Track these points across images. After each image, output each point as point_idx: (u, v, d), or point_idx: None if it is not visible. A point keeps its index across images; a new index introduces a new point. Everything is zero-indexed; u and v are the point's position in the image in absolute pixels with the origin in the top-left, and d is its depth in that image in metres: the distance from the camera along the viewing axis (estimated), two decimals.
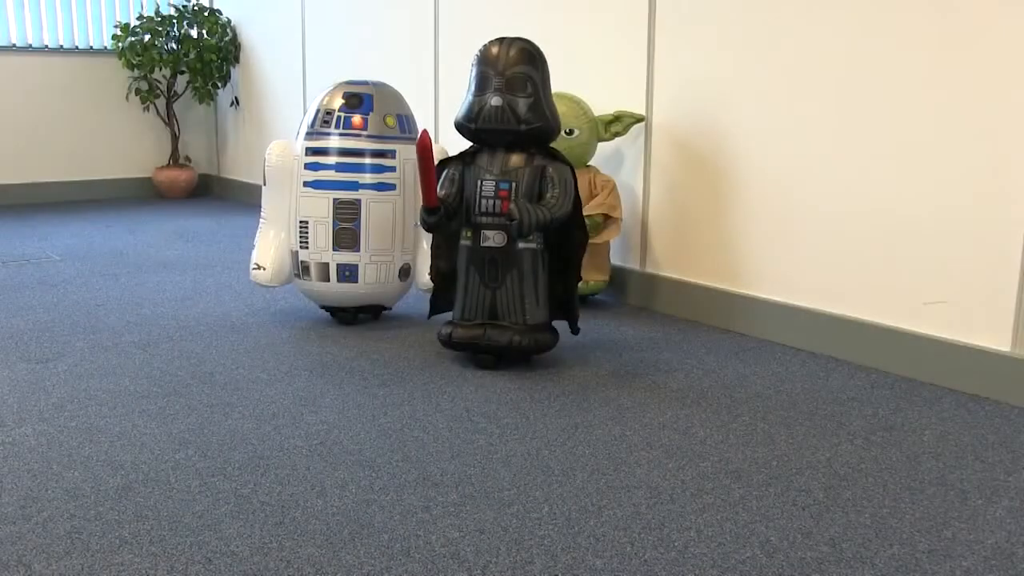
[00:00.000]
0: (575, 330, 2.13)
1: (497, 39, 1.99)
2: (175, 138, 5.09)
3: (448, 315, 2.29)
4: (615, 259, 2.78)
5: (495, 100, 1.94)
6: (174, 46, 4.86)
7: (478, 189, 2.00)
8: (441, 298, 2.20)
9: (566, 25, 2.90)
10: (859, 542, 1.31)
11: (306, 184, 2.35)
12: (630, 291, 2.75)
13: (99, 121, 5.00)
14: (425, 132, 1.89)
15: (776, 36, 2.28)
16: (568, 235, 2.07)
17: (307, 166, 2.35)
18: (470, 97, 1.99)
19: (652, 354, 2.22)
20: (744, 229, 2.42)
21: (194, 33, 4.94)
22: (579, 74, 2.86)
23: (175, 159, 5.12)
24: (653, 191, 2.67)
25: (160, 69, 4.95)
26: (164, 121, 5.11)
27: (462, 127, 2.01)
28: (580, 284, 2.62)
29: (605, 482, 1.49)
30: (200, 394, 1.89)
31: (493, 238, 1.99)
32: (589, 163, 2.68)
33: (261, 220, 2.44)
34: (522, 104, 1.96)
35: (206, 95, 4.97)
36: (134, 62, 4.78)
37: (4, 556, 1.24)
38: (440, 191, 2.03)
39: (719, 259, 2.50)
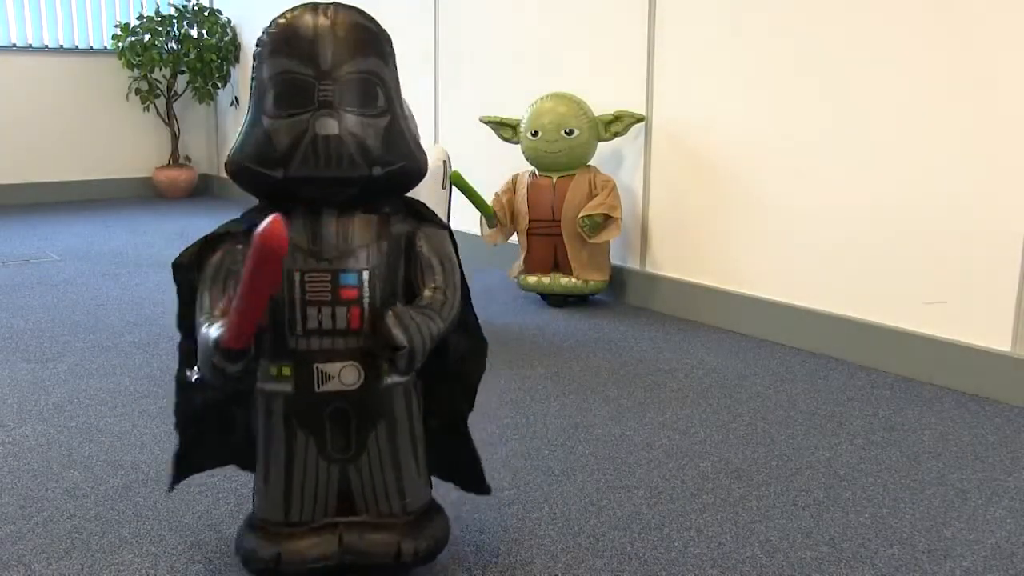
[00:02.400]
0: (486, 489, 1.25)
1: (307, 5, 1.06)
2: (175, 138, 5.09)
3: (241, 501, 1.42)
4: (615, 259, 2.78)
5: (325, 125, 1.02)
6: (174, 46, 4.86)
7: (297, 290, 1.06)
8: (195, 452, 1.20)
9: (566, 25, 2.90)
10: (859, 542, 1.31)
11: None
12: (630, 291, 2.75)
13: (99, 121, 5.00)
14: (277, 220, 0.86)
15: (776, 36, 2.28)
16: (439, 347, 1.15)
17: None
18: (267, 121, 1.04)
19: (652, 354, 2.22)
20: (744, 229, 2.42)
21: (194, 33, 4.94)
22: (579, 74, 2.86)
23: (175, 159, 5.12)
24: (653, 191, 2.67)
25: (160, 69, 4.95)
26: (164, 121, 5.11)
27: (255, 176, 1.05)
28: (580, 284, 2.62)
29: (605, 482, 1.49)
30: None
31: (340, 376, 1.08)
32: (589, 163, 2.68)
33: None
34: (372, 129, 1.04)
35: (206, 95, 4.97)
36: (134, 62, 4.78)
37: (4, 556, 1.24)
38: (208, 303, 1.07)
39: (719, 259, 2.50)
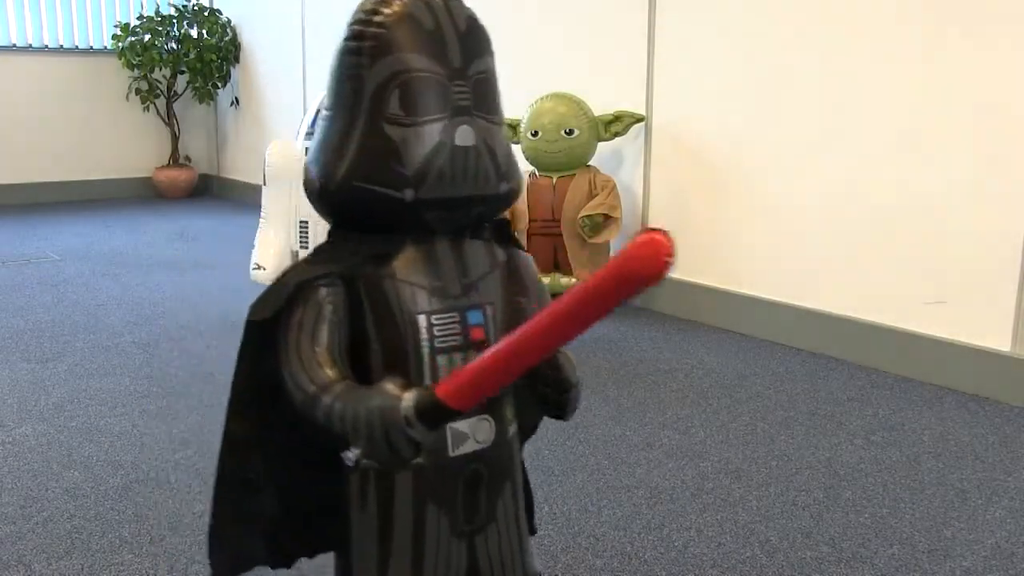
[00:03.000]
0: (532, 528, 1.07)
1: None
2: (175, 138, 5.09)
3: None
4: None
5: (465, 134, 0.85)
6: (174, 46, 4.86)
7: (424, 336, 0.86)
8: (233, 539, 0.95)
9: (566, 25, 2.90)
10: (859, 542, 1.31)
11: None
12: None
13: (99, 121, 5.00)
14: (664, 238, 0.62)
15: (776, 36, 2.28)
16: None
17: None
18: (390, 129, 0.83)
19: (652, 354, 2.22)
20: (744, 229, 2.42)
21: (194, 33, 4.94)
22: (579, 74, 2.86)
23: (175, 159, 5.12)
24: (653, 191, 2.67)
25: (160, 69, 4.95)
26: (164, 121, 5.11)
27: (373, 199, 0.84)
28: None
29: (605, 482, 1.49)
30: (200, 394, 1.89)
31: (475, 433, 0.90)
32: (589, 163, 2.68)
33: (261, 220, 2.44)
34: (498, 139, 0.89)
35: (206, 95, 4.97)
36: (134, 62, 4.78)
37: (4, 556, 1.24)
38: (315, 357, 0.84)
39: (719, 259, 2.50)
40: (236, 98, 5.01)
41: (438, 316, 0.87)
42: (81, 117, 4.95)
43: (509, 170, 0.89)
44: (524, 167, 2.78)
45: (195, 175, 5.15)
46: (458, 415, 0.77)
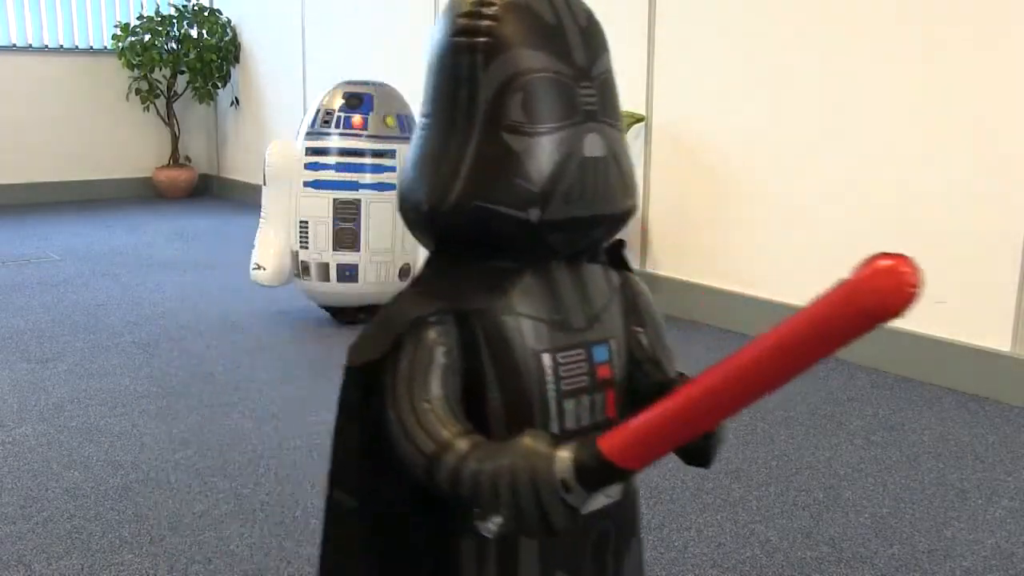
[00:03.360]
0: None
1: None
2: (175, 138, 5.09)
3: None
4: None
5: (594, 143, 0.73)
6: (174, 46, 4.86)
7: (549, 377, 0.74)
8: None
9: None
10: (859, 542, 1.31)
11: (306, 184, 2.35)
12: None
13: (99, 121, 5.00)
14: (903, 267, 0.48)
15: (776, 36, 2.28)
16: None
17: (307, 166, 2.35)
18: (511, 139, 0.71)
19: None
20: (744, 229, 2.42)
21: (194, 33, 4.94)
22: None
23: (175, 159, 5.13)
24: (653, 191, 2.67)
25: (160, 69, 4.95)
26: (164, 121, 5.12)
27: (491, 220, 0.71)
28: None
29: None
30: (200, 394, 1.89)
31: (605, 488, 0.70)
32: None
33: (261, 220, 2.44)
34: (623, 148, 0.78)
35: (206, 95, 4.97)
36: (134, 62, 4.79)
37: (4, 556, 1.24)
38: (432, 409, 0.70)
39: (719, 259, 2.50)
40: (236, 98, 5.02)
41: (563, 354, 0.75)
42: (81, 117, 4.95)
43: (633, 183, 0.78)
44: None
45: (195, 175, 5.15)
46: (626, 476, 0.66)
